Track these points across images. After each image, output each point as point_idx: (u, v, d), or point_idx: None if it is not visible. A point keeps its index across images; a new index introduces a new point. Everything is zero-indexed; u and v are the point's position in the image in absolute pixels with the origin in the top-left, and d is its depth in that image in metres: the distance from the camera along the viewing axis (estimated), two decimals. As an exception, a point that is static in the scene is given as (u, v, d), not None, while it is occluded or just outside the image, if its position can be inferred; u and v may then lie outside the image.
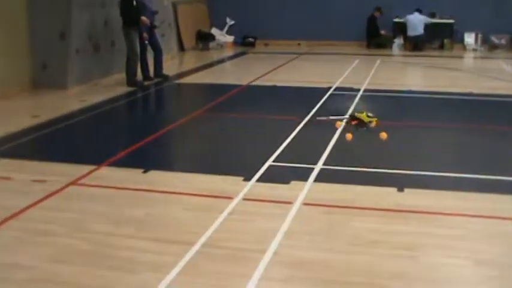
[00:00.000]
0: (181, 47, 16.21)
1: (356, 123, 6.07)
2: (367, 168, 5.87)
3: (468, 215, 4.73)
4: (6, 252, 4.10)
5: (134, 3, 10.44)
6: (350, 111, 8.00)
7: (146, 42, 11.02)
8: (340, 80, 11.20)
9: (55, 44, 10.12)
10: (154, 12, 11.32)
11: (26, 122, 7.90)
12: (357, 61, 14.12)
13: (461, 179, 5.62)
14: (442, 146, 6.96)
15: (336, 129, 7.18)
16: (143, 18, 10.61)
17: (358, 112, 6.16)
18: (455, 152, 6.72)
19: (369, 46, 17.22)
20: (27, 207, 4.89)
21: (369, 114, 6.69)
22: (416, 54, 15.80)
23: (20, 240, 4.30)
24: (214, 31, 17.34)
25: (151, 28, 11.19)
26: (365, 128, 6.31)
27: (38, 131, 7.52)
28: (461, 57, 15.85)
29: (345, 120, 6.00)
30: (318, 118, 6.11)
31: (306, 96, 9.84)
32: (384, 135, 6.07)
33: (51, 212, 4.83)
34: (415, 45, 16.66)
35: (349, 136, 5.86)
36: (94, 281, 3.69)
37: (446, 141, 7.19)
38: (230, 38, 17.46)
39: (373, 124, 6.44)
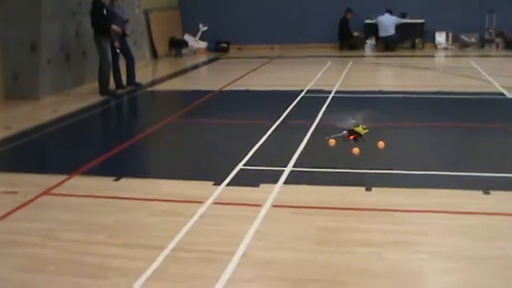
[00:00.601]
0: (155, 54, 16.26)
1: (354, 138, 6.06)
2: (336, 169, 5.99)
3: (431, 210, 4.86)
4: (-23, 264, 4.15)
5: (105, 12, 10.48)
6: (320, 114, 8.19)
7: (118, 50, 11.06)
8: (312, 82, 11.34)
9: (26, 55, 10.13)
10: (126, 21, 11.36)
11: (-2, 133, 7.93)
12: (329, 63, 14.27)
13: (427, 176, 5.75)
14: (410, 145, 7.10)
15: (307, 131, 7.33)
16: (113, 27, 10.66)
17: (354, 126, 6.18)
18: (422, 150, 6.85)
19: (341, 48, 17.41)
20: (-1, 219, 4.93)
21: (364, 126, 6.71)
22: (388, 55, 16.01)
23: (-10, 251, 4.34)
24: (187, 37, 17.41)
25: (123, 36, 11.23)
26: (362, 140, 6.33)
27: (9, 143, 7.54)
28: (432, 56, 16.09)
29: (342, 137, 6.00)
30: (327, 138, 6.15)
31: (278, 99, 9.93)
32: (381, 144, 6.07)
33: (22, 222, 4.87)
34: (387, 45, 16.89)
35: (356, 150, 5.86)
36: (63, 288, 3.76)
37: (413, 139, 7.33)
38: (203, 44, 17.53)
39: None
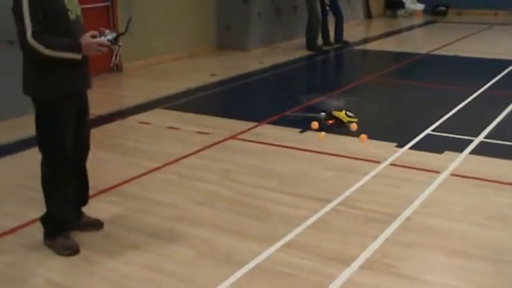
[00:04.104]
0: (369, 14, 16.05)
1: (332, 123, 5.30)
2: (532, 144, 5.54)
3: None
4: (159, 191, 4.54)
5: (317, -31, 10.58)
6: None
7: (327, 7, 11.11)
8: (531, 52, 10.47)
9: (238, 7, 10.62)
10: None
11: (204, 79, 8.45)
12: (557, 33, 13.03)
13: None
14: None
15: (508, 104, 6.84)
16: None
17: (337, 110, 5.39)
18: None
19: None
20: (187, 155, 5.32)
21: (349, 113, 5.88)
22: None
23: (173, 182, 4.72)
24: (405, -1, 16.91)
25: (334, -7, 11.25)
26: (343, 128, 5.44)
27: (212, 88, 8.03)
28: None
29: (319, 119, 5.26)
30: (290, 113, 5.35)
31: (487, 68, 9.33)
32: (363, 137, 5.39)
33: (207, 160, 5.21)
34: None
35: (321, 136, 5.16)
36: (228, 224, 3.98)
37: None
38: (420, 6, 16.89)
39: (353, 127, 5.72)
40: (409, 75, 9.03)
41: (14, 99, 6.32)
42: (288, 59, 10.09)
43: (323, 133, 5.50)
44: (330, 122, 5.59)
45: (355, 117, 5.90)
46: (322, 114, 5.60)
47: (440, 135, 5.84)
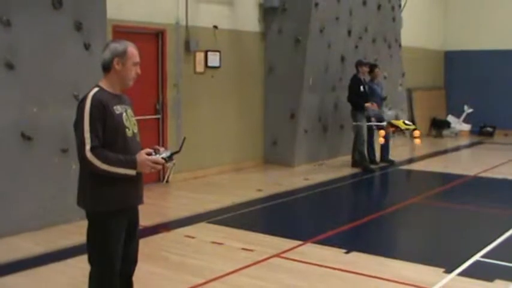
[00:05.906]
0: (414, 133, 16.14)
1: (394, 131, 6.09)
2: None
3: None
4: (201, 311, 4.49)
5: (362, 89, 10.75)
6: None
7: (374, 127, 11.21)
8: None
9: (285, 123, 10.88)
10: (384, 98, 11.52)
11: (250, 194, 8.53)
12: None
13: None
14: None
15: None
16: (367, 104, 10.77)
17: (395, 119, 6.16)
18: None
19: None
20: (231, 272, 5.28)
21: (406, 121, 6.72)
22: None
23: (215, 301, 4.67)
24: (450, 118, 17.01)
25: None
26: (403, 134, 6.45)
27: (258, 204, 8.07)
28: None
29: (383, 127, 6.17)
30: (354, 123, 6.44)
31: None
32: (417, 141, 6.18)
33: (250, 279, 5.16)
34: None
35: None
36: None
37: None
38: (466, 127, 16.95)
39: (416, 134, 6.97)
40: (455, 197, 8.92)
41: (62, 206, 6.53)
42: (333, 177, 10.11)
43: (383, 133, 5.98)
44: (392, 129, 6.41)
45: (411, 125, 6.65)
46: (384, 123, 6.49)
47: (490, 262, 5.68)
